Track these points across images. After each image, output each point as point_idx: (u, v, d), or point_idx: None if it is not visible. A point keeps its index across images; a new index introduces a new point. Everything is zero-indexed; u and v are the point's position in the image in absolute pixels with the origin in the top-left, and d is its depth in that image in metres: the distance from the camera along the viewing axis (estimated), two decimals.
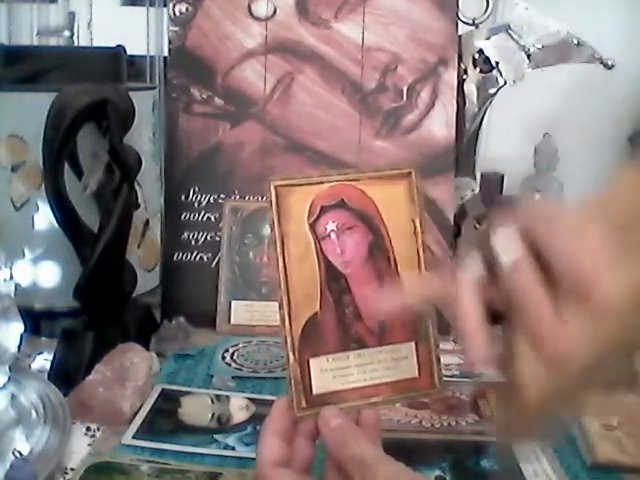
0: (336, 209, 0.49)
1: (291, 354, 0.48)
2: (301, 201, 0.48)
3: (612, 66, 0.99)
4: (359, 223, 0.50)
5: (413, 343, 0.50)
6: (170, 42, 0.97)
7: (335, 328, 0.49)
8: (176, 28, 0.97)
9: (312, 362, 0.48)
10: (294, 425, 0.48)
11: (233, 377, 0.78)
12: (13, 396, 0.69)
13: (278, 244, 0.48)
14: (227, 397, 0.73)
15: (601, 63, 1.00)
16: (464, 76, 1.00)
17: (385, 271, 0.50)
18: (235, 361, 0.82)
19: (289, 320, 0.48)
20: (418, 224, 0.50)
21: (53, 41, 1.71)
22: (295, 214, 0.48)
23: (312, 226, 0.49)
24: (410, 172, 0.51)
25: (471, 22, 1.01)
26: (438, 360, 0.50)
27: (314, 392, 0.48)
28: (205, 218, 0.96)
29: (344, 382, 0.49)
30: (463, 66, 0.99)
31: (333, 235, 0.49)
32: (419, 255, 0.50)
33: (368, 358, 0.49)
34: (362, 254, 0.50)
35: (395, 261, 0.50)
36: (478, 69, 1.00)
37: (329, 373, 0.48)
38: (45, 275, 0.85)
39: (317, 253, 0.49)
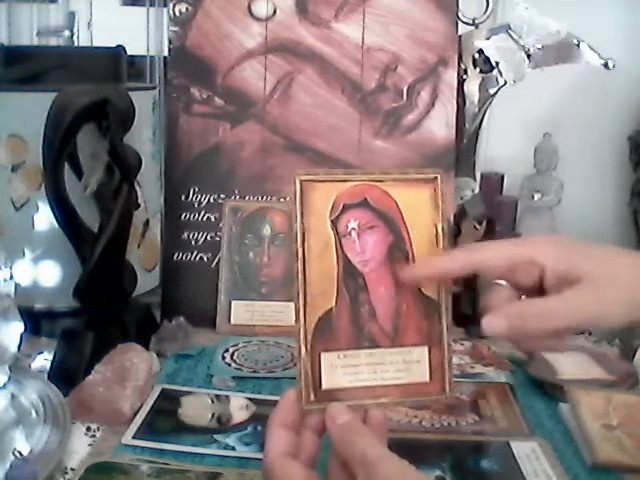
0: (358, 208, 0.49)
1: (303, 347, 0.48)
2: (324, 197, 0.49)
3: (612, 66, 0.99)
4: (380, 223, 0.50)
5: (426, 347, 0.50)
6: (170, 42, 0.97)
7: (349, 325, 0.49)
8: (176, 28, 0.97)
9: (323, 356, 0.48)
10: (302, 417, 0.48)
11: (233, 377, 0.78)
12: (13, 396, 0.69)
13: (299, 238, 0.48)
14: (227, 397, 0.73)
15: (601, 63, 0.99)
16: (464, 76, 1.00)
17: None
18: (235, 361, 0.82)
19: (304, 313, 0.48)
20: (440, 229, 0.50)
21: (53, 41, 1.71)
22: (318, 210, 0.49)
23: (334, 223, 0.49)
24: (436, 177, 0.51)
25: (471, 22, 1.01)
26: (450, 366, 0.50)
27: (323, 387, 0.48)
28: (205, 218, 0.96)
29: (354, 380, 0.49)
30: (463, 66, 0.99)
31: (354, 233, 0.49)
32: None
33: (379, 358, 0.49)
34: (381, 254, 0.50)
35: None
36: (478, 69, 1.00)
37: (339, 369, 0.48)
38: (45, 275, 0.85)
39: (337, 250, 0.49)
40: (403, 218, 0.50)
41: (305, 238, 0.48)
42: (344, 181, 0.49)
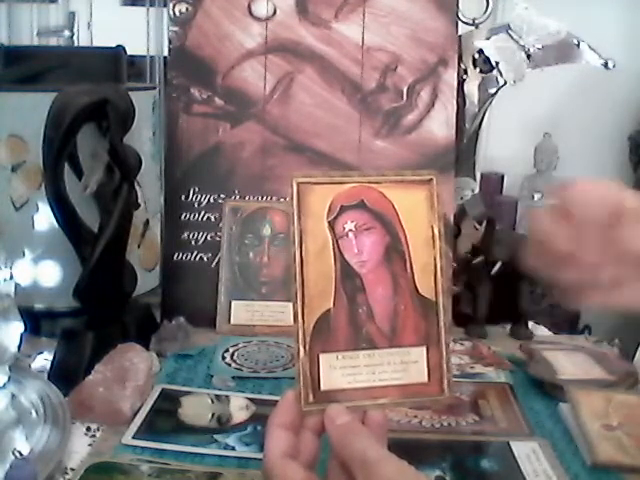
0: (355, 209, 0.50)
1: (302, 348, 0.48)
2: (321, 199, 0.49)
3: (612, 66, 0.99)
4: (377, 224, 0.50)
5: (424, 348, 0.50)
6: (170, 42, 0.97)
7: (347, 326, 0.49)
8: (176, 28, 0.97)
9: (322, 357, 0.48)
10: (301, 418, 0.48)
11: (233, 377, 0.78)
12: (13, 396, 0.69)
13: (296, 239, 0.48)
14: (227, 397, 0.73)
15: (601, 63, 0.99)
16: (464, 76, 1.00)
17: (400, 274, 0.50)
18: (235, 361, 0.82)
19: (302, 314, 0.48)
20: (437, 231, 0.51)
21: (53, 41, 1.71)
22: (315, 211, 0.49)
23: (331, 224, 0.49)
24: (431, 179, 0.51)
25: (471, 22, 1.01)
26: (448, 366, 0.50)
27: (322, 388, 0.48)
28: (205, 218, 0.96)
29: (352, 381, 0.49)
30: (463, 66, 0.99)
31: (351, 234, 0.49)
32: (435, 261, 0.50)
33: (378, 359, 0.49)
34: (379, 255, 0.50)
35: (411, 265, 0.50)
36: (478, 69, 1.00)
37: (338, 370, 0.49)
38: (45, 275, 0.85)
39: (334, 251, 0.49)
40: (400, 219, 0.50)
41: (302, 240, 0.48)
42: (341, 183, 0.50)
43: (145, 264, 0.93)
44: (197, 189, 0.96)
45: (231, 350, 0.85)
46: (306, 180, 0.49)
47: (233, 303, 0.93)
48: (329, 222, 0.49)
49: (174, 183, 0.97)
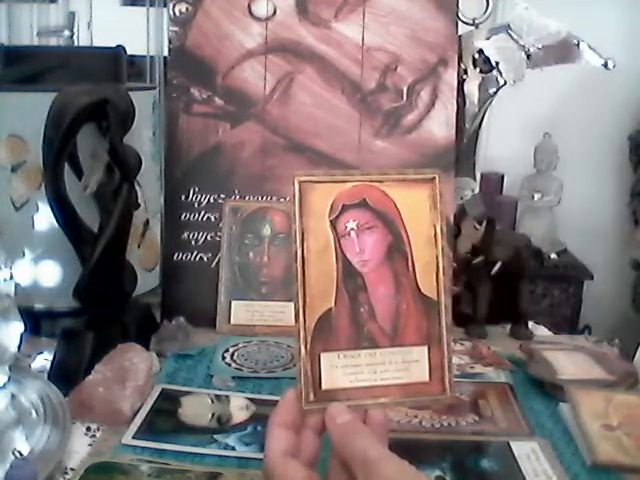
0: (357, 208, 0.50)
1: (302, 347, 0.48)
2: (323, 198, 0.49)
3: (612, 66, 0.99)
4: (379, 223, 0.50)
5: (426, 347, 0.50)
6: (170, 42, 0.97)
7: (348, 325, 0.49)
8: (176, 28, 0.97)
9: (323, 357, 0.48)
10: (301, 417, 0.48)
11: (233, 377, 0.78)
12: (13, 396, 0.69)
13: (298, 238, 0.48)
14: (227, 397, 0.73)
15: (601, 63, 0.99)
16: (464, 76, 1.00)
17: (402, 273, 0.50)
18: (235, 361, 0.83)
19: (303, 313, 0.48)
20: (439, 230, 0.51)
21: (53, 41, 1.71)
22: (317, 210, 0.49)
23: (333, 223, 0.49)
24: (434, 177, 0.51)
25: (471, 22, 1.01)
26: (450, 365, 0.50)
27: (323, 387, 0.48)
28: (205, 218, 0.96)
29: (354, 380, 0.49)
30: (463, 66, 0.99)
31: (353, 233, 0.50)
32: (437, 260, 0.50)
33: (379, 358, 0.49)
34: (380, 254, 0.50)
35: (413, 264, 0.50)
36: (478, 69, 1.00)
37: (339, 369, 0.49)
38: (45, 275, 0.85)
39: (336, 250, 0.49)
40: (402, 218, 0.50)
41: (304, 238, 0.49)
42: (343, 182, 0.50)
43: (145, 264, 0.93)
44: (197, 189, 0.96)
45: (231, 350, 0.85)
46: (308, 179, 0.49)
47: (233, 303, 0.93)
48: (331, 221, 0.49)
49: (174, 183, 0.97)
